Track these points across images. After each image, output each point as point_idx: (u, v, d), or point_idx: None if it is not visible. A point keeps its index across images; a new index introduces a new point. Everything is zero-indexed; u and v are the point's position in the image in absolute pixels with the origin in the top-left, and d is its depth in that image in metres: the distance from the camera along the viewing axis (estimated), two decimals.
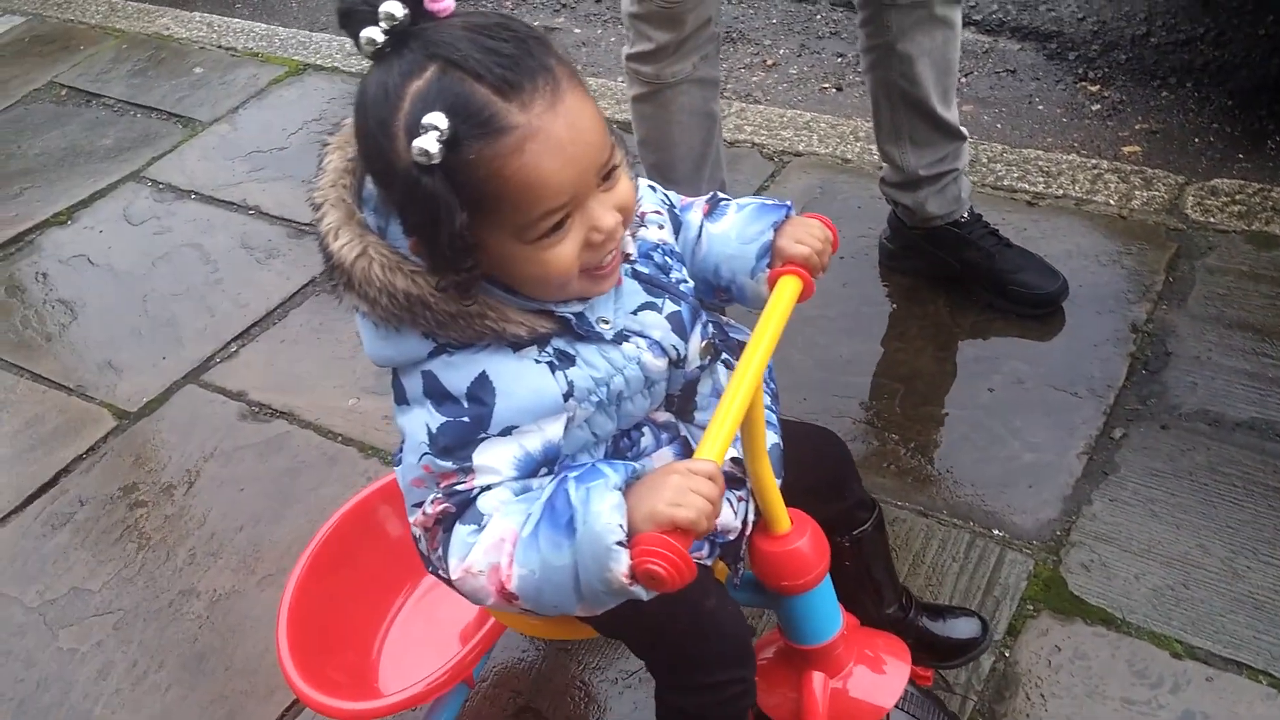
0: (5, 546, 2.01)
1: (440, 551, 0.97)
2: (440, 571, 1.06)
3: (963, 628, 1.48)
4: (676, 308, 1.06)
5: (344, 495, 1.91)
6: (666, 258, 1.10)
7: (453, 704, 1.49)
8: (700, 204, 1.20)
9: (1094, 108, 2.68)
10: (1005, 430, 1.85)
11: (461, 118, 0.85)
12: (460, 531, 0.95)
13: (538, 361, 0.97)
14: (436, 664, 1.38)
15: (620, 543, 0.86)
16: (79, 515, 2.04)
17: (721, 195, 1.21)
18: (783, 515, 1.14)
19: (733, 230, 1.15)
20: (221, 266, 2.60)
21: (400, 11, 0.86)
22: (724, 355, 1.14)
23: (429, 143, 0.84)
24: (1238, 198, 2.19)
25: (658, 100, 1.86)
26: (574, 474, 0.92)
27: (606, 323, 1.01)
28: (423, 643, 1.54)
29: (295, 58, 3.39)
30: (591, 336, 1.00)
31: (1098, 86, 2.74)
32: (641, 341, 1.02)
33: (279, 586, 1.78)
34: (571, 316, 0.98)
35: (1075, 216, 2.23)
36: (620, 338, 1.02)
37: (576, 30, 3.45)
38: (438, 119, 0.84)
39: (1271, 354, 1.88)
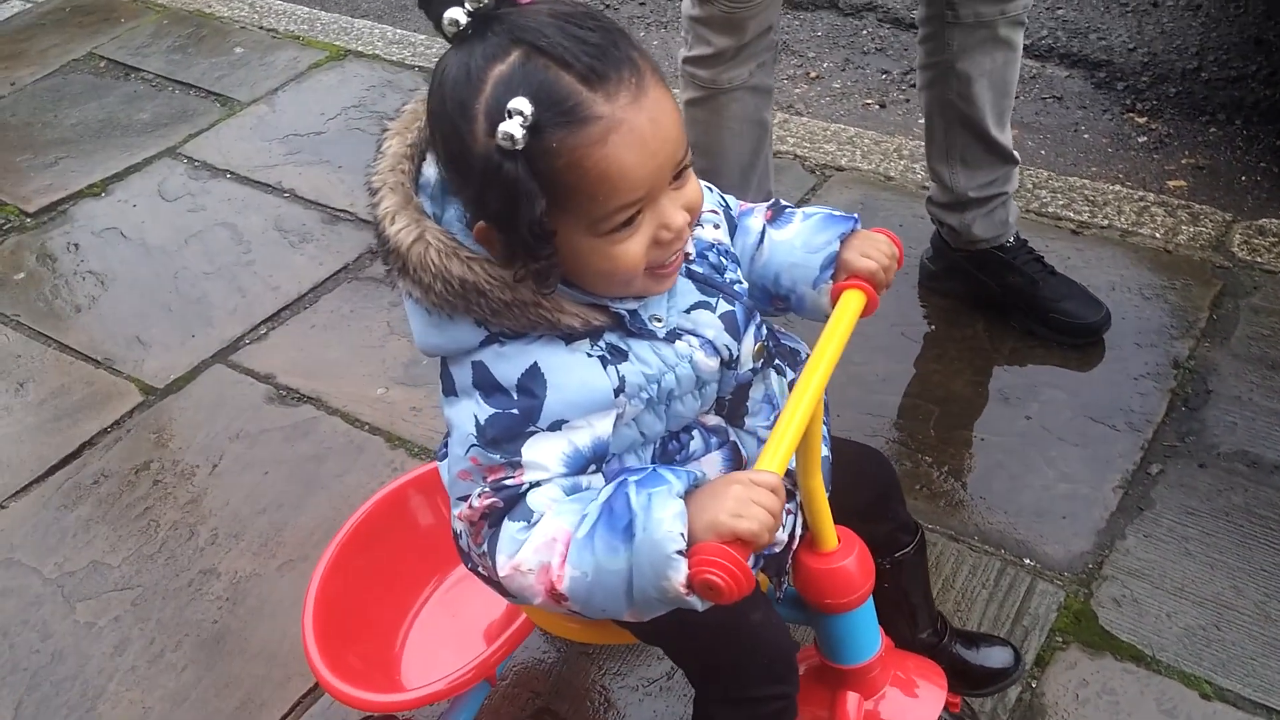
0: (25, 516, 2.00)
1: (485, 547, 0.95)
2: (480, 569, 1.04)
3: (996, 656, 1.46)
4: (730, 307, 1.05)
5: (369, 485, 1.91)
6: (721, 258, 1.09)
7: (473, 701, 1.47)
8: (762, 209, 1.19)
9: (1140, 139, 2.65)
10: (1040, 459, 1.83)
11: (545, 105, 0.84)
12: (509, 528, 0.93)
13: (589, 355, 0.96)
14: (459, 659, 1.37)
15: (680, 552, 0.84)
16: (101, 489, 2.03)
17: (784, 202, 1.20)
18: (831, 532, 1.13)
19: (798, 239, 1.14)
20: (254, 248, 2.60)
21: None
22: (776, 361, 1.13)
23: (514, 128, 0.83)
24: None
25: (711, 105, 1.85)
26: (634, 478, 0.90)
27: (659, 320, 1.00)
28: (447, 637, 1.53)
29: (336, 43, 3.38)
30: (644, 333, 0.99)
31: (1145, 118, 2.72)
32: (694, 340, 1.01)
33: (300, 573, 1.78)
34: (625, 313, 0.97)
35: (1120, 248, 2.21)
36: (673, 335, 1.01)
37: None
38: (522, 104, 0.83)
39: None
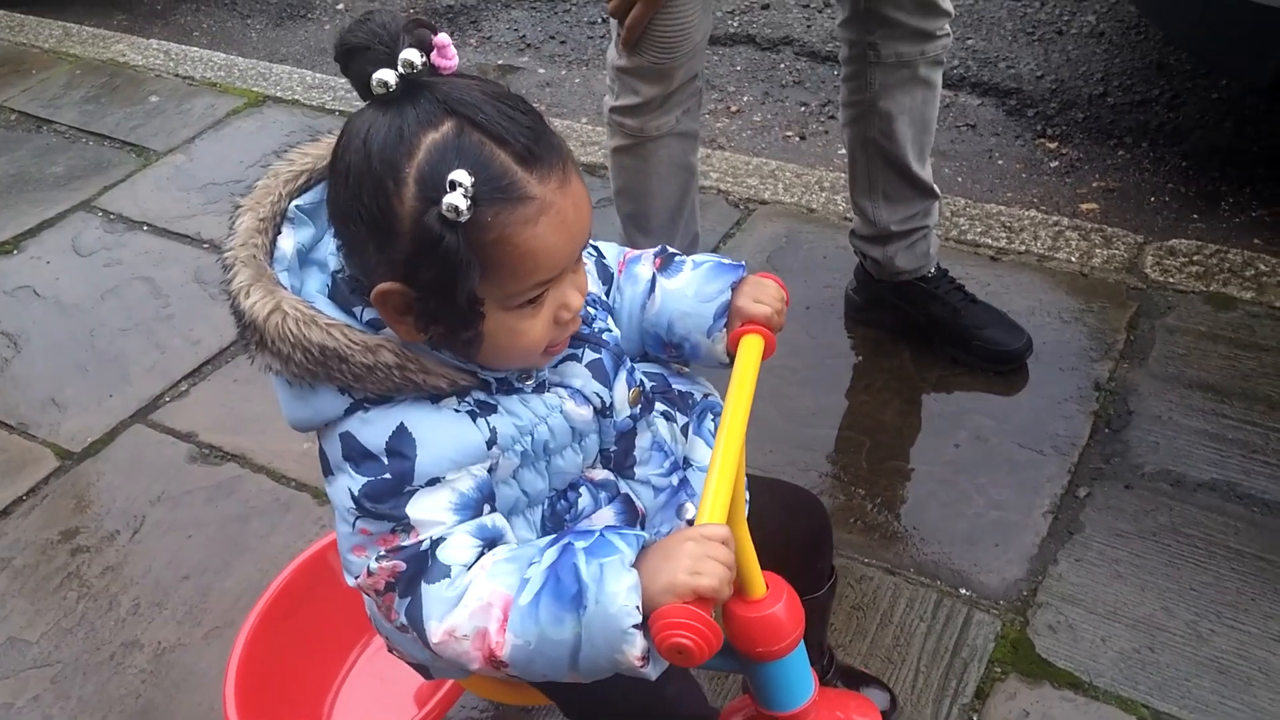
0: None
1: (403, 619, 0.92)
2: (398, 649, 1.01)
3: (873, 699, 1.46)
4: (597, 355, 1.05)
5: (296, 543, 1.86)
6: (589, 307, 1.09)
7: None
8: (650, 256, 1.19)
9: (1052, 164, 2.72)
10: (971, 487, 1.84)
11: (483, 179, 0.84)
12: (432, 590, 0.90)
13: (457, 411, 0.95)
14: None
15: (636, 626, 0.83)
16: (17, 561, 1.95)
17: (672, 249, 1.20)
18: (759, 580, 1.11)
19: (689, 288, 1.14)
20: (173, 301, 2.53)
21: (419, 60, 0.86)
22: (664, 408, 1.13)
23: (458, 199, 0.83)
24: (1195, 258, 2.23)
25: (639, 152, 1.85)
26: (581, 544, 0.88)
27: (528, 378, 1.00)
28: (376, 703, 1.49)
29: (255, 89, 3.34)
30: (512, 390, 0.99)
31: (1056, 144, 2.79)
32: (562, 391, 1.02)
33: (226, 640, 1.72)
34: (494, 380, 0.98)
35: (1037, 273, 2.26)
36: (541, 387, 1.01)
37: (541, 70, 3.45)
38: (463, 176, 0.83)
39: (1230, 415, 1.90)
